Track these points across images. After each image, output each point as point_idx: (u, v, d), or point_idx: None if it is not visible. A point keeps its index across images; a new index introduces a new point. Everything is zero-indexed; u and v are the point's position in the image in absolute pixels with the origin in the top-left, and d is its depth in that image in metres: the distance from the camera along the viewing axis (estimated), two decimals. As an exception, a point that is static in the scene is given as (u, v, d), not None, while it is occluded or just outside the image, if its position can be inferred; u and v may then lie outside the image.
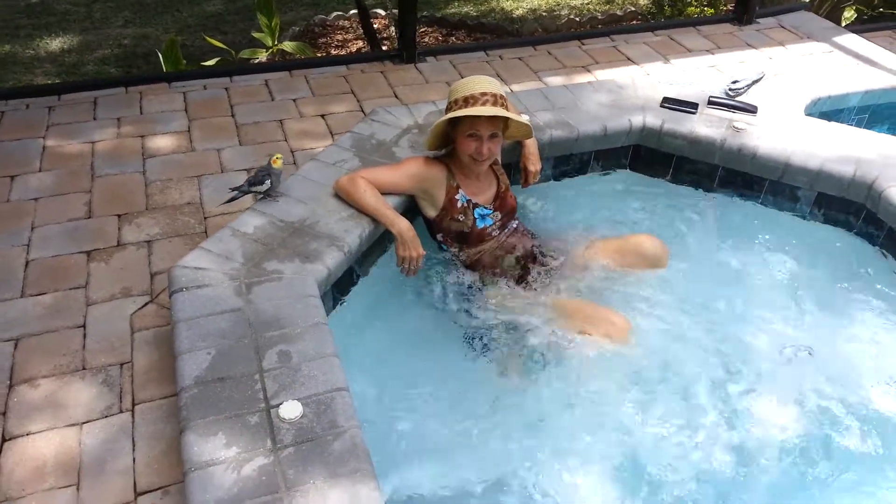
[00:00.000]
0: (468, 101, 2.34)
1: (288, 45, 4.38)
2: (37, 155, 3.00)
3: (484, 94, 2.34)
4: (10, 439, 1.91)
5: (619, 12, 5.54)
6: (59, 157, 2.99)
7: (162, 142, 3.12)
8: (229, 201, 2.51)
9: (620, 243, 2.65)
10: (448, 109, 2.42)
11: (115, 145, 3.08)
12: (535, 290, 2.49)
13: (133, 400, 2.02)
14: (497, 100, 2.34)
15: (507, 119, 2.39)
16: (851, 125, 3.33)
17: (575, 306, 2.47)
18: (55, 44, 5.39)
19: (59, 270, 2.44)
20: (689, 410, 2.20)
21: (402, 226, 2.37)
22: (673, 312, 2.49)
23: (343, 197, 2.43)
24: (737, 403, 2.24)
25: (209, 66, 4.17)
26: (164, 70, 4.00)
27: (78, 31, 5.61)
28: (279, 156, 2.42)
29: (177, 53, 3.97)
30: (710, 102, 3.12)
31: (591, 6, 5.90)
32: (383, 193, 2.43)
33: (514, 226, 2.63)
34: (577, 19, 5.38)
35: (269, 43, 4.42)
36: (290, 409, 1.75)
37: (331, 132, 3.23)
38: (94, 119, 3.26)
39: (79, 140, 3.10)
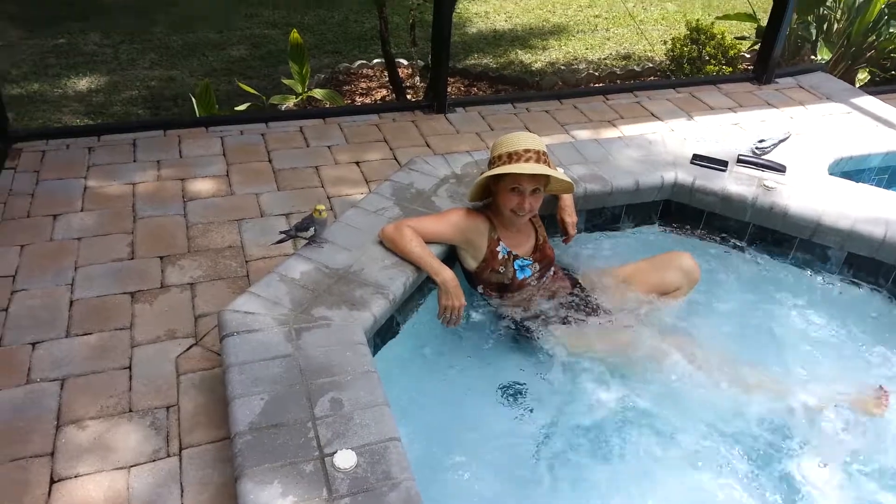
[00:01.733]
0: (511, 157, 2.39)
1: (318, 93, 4.47)
2: (78, 195, 3.05)
3: (527, 150, 2.39)
4: (58, 481, 1.91)
5: (636, 68, 5.67)
6: (101, 198, 3.04)
7: (202, 185, 3.17)
8: (278, 242, 2.57)
9: (658, 259, 2.73)
10: (491, 164, 2.47)
11: (155, 187, 3.13)
12: (579, 324, 2.52)
13: (181, 444, 2.02)
14: (540, 157, 2.40)
15: (548, 175, 2.45)
16: (872, 185, 3.39)
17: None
18: (82, 83, 5.49)
19: (104, 311, 2.46)
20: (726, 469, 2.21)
21: (446, 276, 2.41)
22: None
23: (388, 245, 2.47)
24: (758, 458, 2.24)
25: (242, 110, 4.25)
26: (197, 113, 4.08)
27: (105, 72, 5.72)
28: (321, 207, 2.44)
29: (210, 97, 4.05)
30: (739, 161, 3.18)
31: (608, 61, 6.04)
32: (427, 243, 2.46)
33: (552, 273, 2.67)
34: (596, 73, 5.50)
35: (300, 89, 4.51)
36: (345, 459, 1.75)
37: (366, 179, 3.28)
38: (135, 161, 3.32)
39: (120, 181, 3.16)
